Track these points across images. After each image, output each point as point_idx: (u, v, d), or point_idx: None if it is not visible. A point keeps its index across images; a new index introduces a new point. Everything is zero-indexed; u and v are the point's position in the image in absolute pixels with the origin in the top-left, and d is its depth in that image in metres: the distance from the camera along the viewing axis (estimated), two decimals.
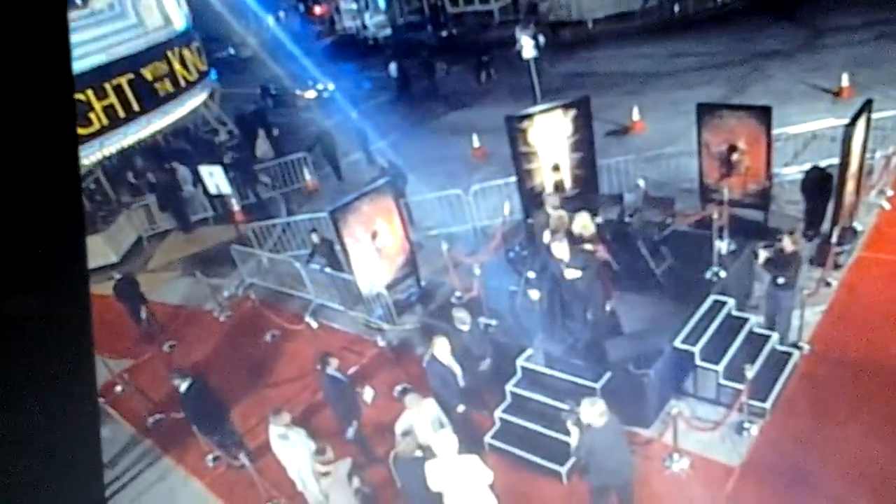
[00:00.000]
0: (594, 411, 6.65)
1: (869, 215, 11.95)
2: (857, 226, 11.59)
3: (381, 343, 10.46)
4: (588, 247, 8.78)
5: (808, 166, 12.31)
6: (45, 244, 1.18)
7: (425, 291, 12.38)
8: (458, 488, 6.94)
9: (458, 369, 8.35)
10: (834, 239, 10.43)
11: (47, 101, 1.14)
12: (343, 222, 11.19)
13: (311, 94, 27.19)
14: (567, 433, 7.98)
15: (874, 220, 11.89)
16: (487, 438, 9.00)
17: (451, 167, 16.80)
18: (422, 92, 25.91)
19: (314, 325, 10.91)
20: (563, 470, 8.32)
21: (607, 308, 8.91)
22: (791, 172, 13.11)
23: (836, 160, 11.34)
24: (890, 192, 12.32)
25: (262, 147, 19.92)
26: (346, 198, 11.45)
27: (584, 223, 8.69)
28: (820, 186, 11.33)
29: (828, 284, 10.46)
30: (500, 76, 25.55)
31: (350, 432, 8.72)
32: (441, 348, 8.23)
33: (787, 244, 9.00)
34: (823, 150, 13.01)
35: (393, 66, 25.86)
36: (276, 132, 20.13)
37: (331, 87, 27.19)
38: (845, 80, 16.47)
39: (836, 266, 10.68)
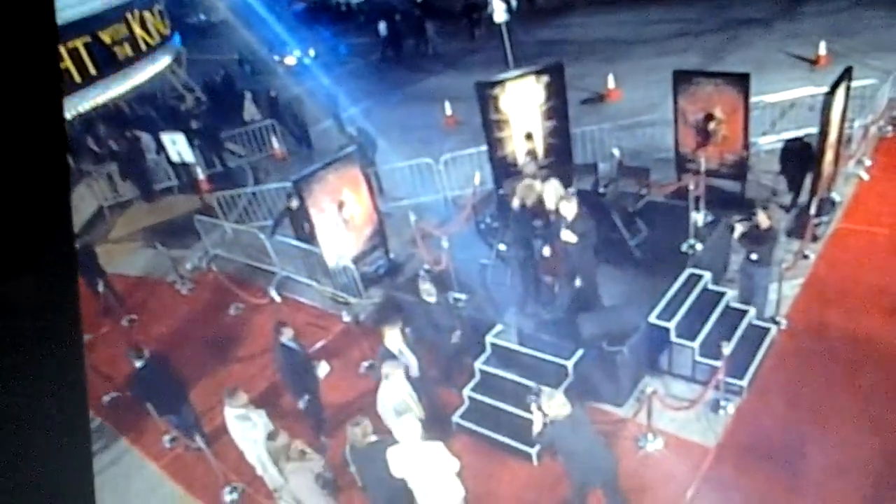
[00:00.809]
0: (554, 404, 6.17)
1: (847, 186, 11.53)
2: (836, 196, 11.16)
3: (347, 318, 9.88)
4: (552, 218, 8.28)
5: (785, 136, 11.86)
6: (33, 225, 1.18)
7: (394, 264, 11.79)
8: (422, 475, 6.45)
9: (413, 360, 7.79)
10: (813, 210, 10.00)
11: (31, 80, 1.14)
12: (308, 192, 10.54)
13: (290, 60, 26.12)
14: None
15: (852, 190, 11.47)
16: (455, 418, 8.52)
17: (423, 135, 16.13)
18: (410, 52, 24.92)
19: (277, 298, 10.32)
20: (534, 451, 7.86)
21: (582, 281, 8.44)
22: (768, 142, 12.64)
23: (813, 129, 10.90)
24: (868, 162, 11.90)
25: (251, 110, 18.93)
26: (311, 167, 10.79)
27: (557, 190, 8.14)
28: (800, 157, 10.86)
29: (805, 257, 10.04)
30: (476, 42, 24.72)
31: (302, 404, 8.23)
32: (392, 339, 7.66)
33: (763, 219, 8.56)
34: (801, 120, 12.56)
35: (382, 25, 24.83)
36: (273, 93, 18.96)
37: (311, 53, 26.09)
38: (822, 49, 15.97)
39: (815, 238, 10.24)
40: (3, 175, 1.11)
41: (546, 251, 8.25)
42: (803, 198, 10.87)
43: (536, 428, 6.46)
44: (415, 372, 7.81)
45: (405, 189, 13.63)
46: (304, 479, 6.69)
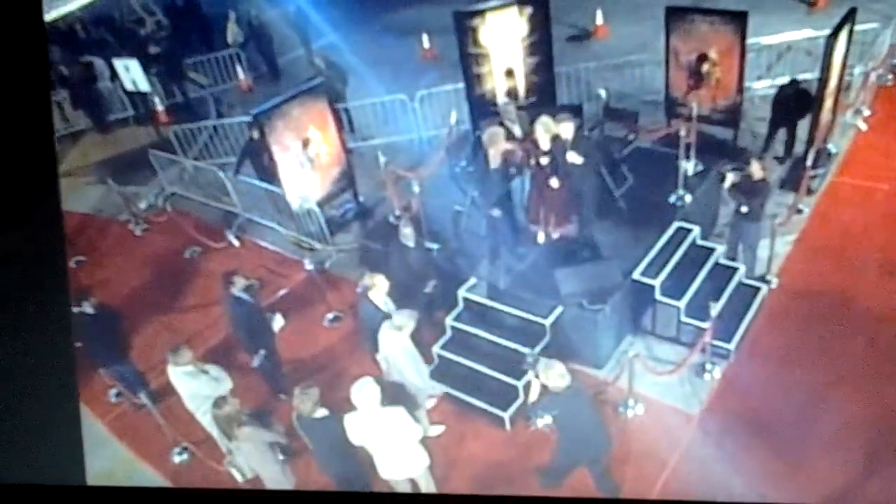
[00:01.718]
0: (552, 374, 5.64)
1: (844, 137, 10.92)
2: (832, 148, 10.57)
3: (309, 266, 9.17)
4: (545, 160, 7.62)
5: (781, 81, 11.15)
6: (19, 181, 1.36)
7: (364, 208, 11.07)
8: (383, 443, 5.91)
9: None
10: (809, 161, 9.42)
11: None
12: (270, 128, 9.70)
13: None
14: (517, 376, 7.06)
15: (850, 141, 10.87)
16: None
17: (399, 69, 15.12)
18: None
19: (235, 242, 9.60)
20: (507, 415, 7.35)
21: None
22: (763, 87, 11.94)
23: (810, 75, 10.37)
24: (867, 112, 11.26)
25: (233, 30, 17.46)
26: (272, 100, 9.90)
27: (547, 126, 7.47)
28: (796, 103, 10.20)
29: (799, 211, 9.50)
30: None
31: (256, 361, 7.63)
32: (378, 290, 7.00)
33: (756, 170, 8.02)
34: (798, 65, 11.83)
35: None
36: (254, 13, 17.39)
37: None
38: None
39: (809, 191, 9.69)
40: None
41: (554, 182, 7.68)
42: (798, 148, 10.28)
43: (532, 397, 5.93)
44: None
45: (377, 127, 12.79)
46: (256, 445, 6.13)
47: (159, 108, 14.42)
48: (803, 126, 10.12)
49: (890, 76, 12.08)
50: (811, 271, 8.76)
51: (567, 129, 7.63)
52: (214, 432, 6.88)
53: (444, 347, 8.02)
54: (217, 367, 7.10)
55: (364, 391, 5.74)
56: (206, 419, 6.99)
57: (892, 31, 11.94)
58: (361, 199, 11.11)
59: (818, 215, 9.61)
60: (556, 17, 10.78)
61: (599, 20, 15.70)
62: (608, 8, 16.11)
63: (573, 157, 7.57)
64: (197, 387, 6.91)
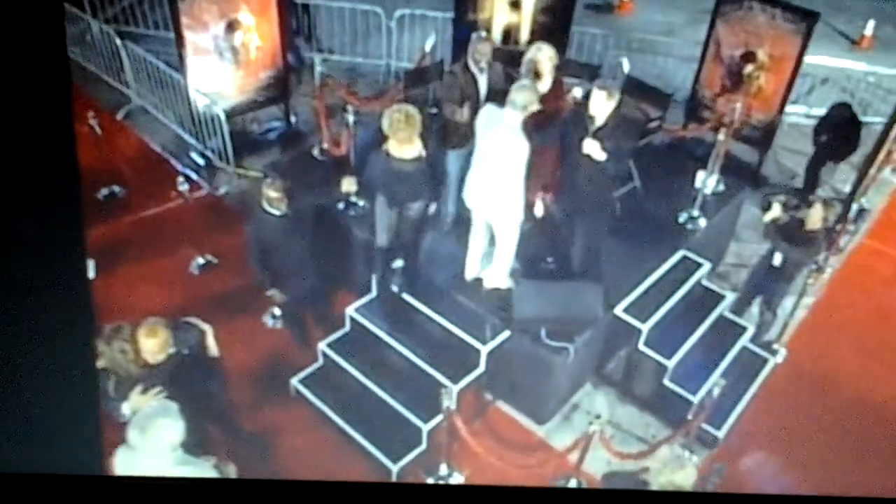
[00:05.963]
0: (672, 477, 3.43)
1: (879, 194, 8.73)
2: (865, 203, 8.37)
3: (183, 187, 6.41)
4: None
5: (815, 112, 8.98)
6: (38, 166, 1.29)
7: (293, 130, 8.33)
8: None
9: None
10: (851, 215, 7.22)
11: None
12: None
13: None
14: (424, 416, 4.64)
15: (884, 201, 8.70)
16: (295, 380, 5.36)
17: None
18: None
19: (98, 130, 6.80)
20: (396, 468, 4.86)
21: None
22: (797, 112, 9.63)
23: None
24: None
25: None
26: None
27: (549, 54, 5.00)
28: (842, 134, 7.97)
29: (820, 270, 7.26)
30: None
31: None
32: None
33: (815, 216, 5.70)
34: (831, 101, 9.61)
35: None
36: None
37: None
38: (869, 29, 12.96)
39: (838, 250, 7.48)
40: (5, 119, 1.19)
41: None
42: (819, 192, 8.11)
43: None
44: None
45: (342, 42, 9.97)
46: None
47: None
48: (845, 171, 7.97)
49: None
50: (825, 348, 6.58)
51: (600, 106, 4.90)
52: None
53: (332, 345, 5.41)
54: None
55: (156, 428, 3.13)
56: None
57: None
58: (294, 119, 8.38)
59: (841, 280, 7.41)
60: None
61: None
62: None
63: (592, 148, 4.92)
64: None
